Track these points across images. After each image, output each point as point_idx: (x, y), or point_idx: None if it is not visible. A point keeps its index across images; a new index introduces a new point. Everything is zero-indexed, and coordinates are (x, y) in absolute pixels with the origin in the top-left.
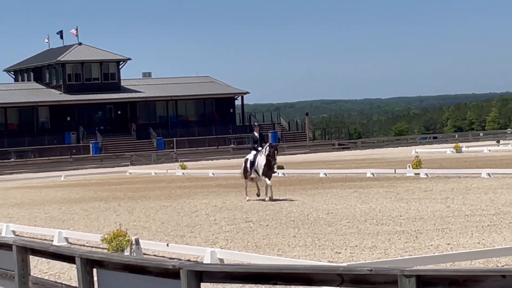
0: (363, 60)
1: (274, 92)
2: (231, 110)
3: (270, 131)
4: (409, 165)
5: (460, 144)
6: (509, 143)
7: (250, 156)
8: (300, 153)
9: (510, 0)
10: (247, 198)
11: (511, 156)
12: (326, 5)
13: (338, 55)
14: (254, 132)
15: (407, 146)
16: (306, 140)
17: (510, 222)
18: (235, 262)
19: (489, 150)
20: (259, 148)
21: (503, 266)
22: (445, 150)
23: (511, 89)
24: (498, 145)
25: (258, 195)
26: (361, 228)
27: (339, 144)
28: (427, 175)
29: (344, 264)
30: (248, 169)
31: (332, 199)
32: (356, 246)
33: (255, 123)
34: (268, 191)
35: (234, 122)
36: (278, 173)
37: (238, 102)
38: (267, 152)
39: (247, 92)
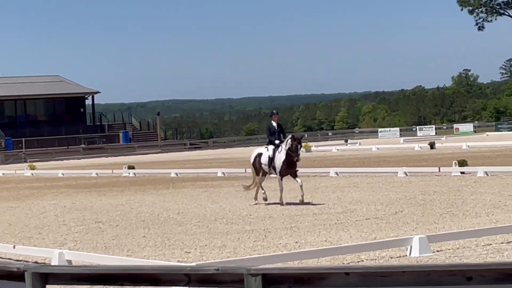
0: (214, 60)
1: (125, 91)
2: (82, 110)
3: (121, 131)
4: None
5: (310, 144)
6: (356, 143)
7: (263, 150)
8: (152, 153)
9: (365, 1)
10: (264, 198)
11: (358, 155)
12: (175, 6)
13: (189, 55)
14: (272, 122)
15: (257, 145)
16: (157, 140)
17: (357, 220)
18: (84, 264)
19: (337, 150)
20: (276, 142)
21: (348, 263)
22: None
23: (359, 89)
24: (346, 145)
25: (265, 199)
26: (211, 228)
27: (190, 144)
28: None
29: (192, 264)
30: (262, 166)
31: (183, 199)
32: (206, 245)
33: (274, 110)
34: (299, 190)
35: (85, 122)
36: (130, 173)
37: (89, 102)
38: (288, 146)
39: (98, 92)
